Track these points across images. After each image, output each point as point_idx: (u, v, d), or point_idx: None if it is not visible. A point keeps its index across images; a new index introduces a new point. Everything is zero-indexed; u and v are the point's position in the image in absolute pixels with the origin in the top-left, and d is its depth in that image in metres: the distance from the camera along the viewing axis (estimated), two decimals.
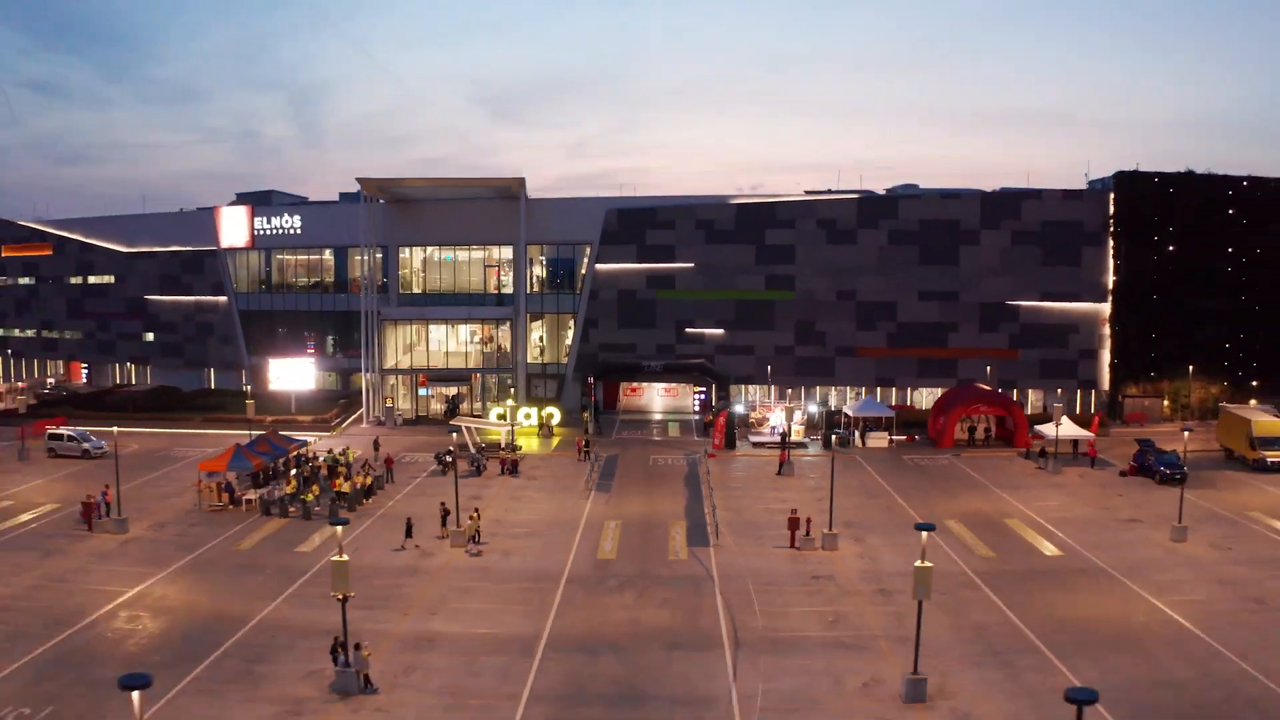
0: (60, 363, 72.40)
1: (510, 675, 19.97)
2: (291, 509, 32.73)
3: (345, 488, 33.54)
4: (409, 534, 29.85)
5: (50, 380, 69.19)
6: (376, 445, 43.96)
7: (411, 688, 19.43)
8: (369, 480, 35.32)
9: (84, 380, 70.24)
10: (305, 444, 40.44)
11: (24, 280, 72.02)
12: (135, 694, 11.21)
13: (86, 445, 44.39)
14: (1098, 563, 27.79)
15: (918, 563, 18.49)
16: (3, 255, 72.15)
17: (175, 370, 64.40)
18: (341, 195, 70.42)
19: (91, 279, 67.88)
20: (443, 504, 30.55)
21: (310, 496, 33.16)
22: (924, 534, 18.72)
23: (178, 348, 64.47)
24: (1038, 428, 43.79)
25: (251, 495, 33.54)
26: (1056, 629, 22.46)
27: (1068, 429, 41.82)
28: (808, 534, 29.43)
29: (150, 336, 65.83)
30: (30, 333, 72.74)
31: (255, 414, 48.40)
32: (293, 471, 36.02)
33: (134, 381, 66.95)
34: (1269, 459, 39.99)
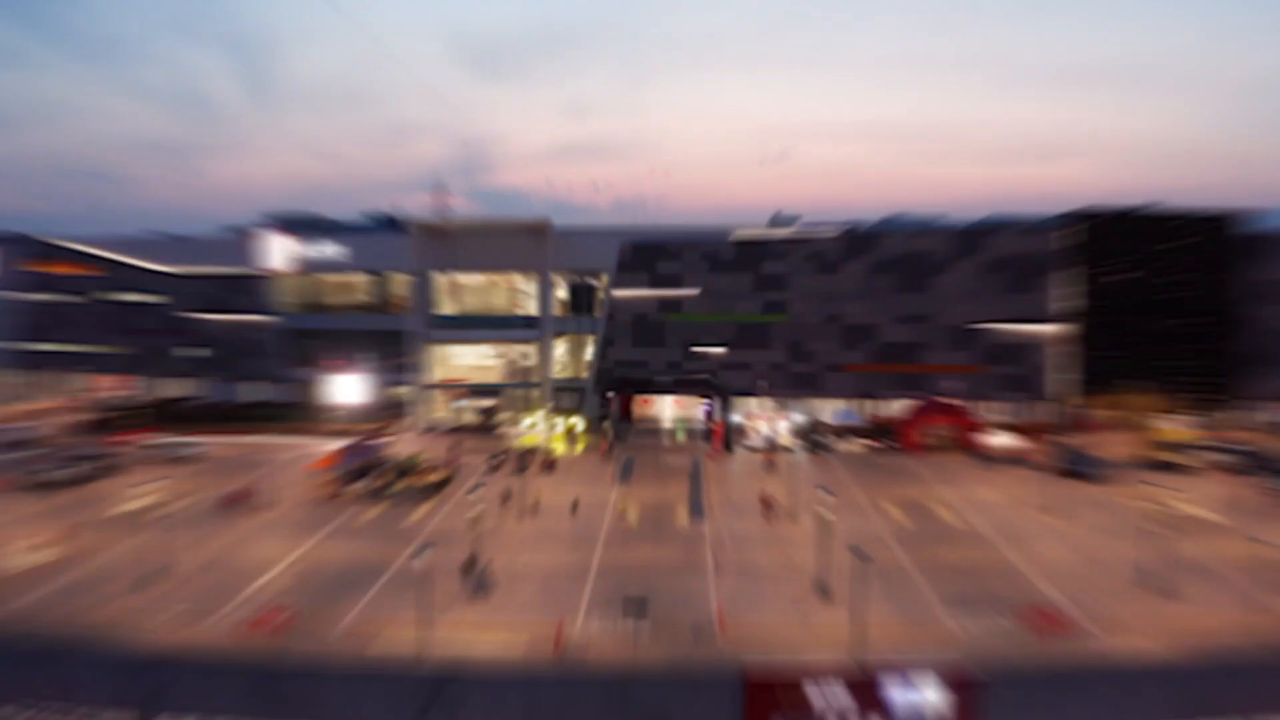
0: (110, 377, 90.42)
1: (574, 584, 37.57)
2: (387, 497, 50.36)
3: (434, 478, 51.28)
4: (502, 504, 47.45)
5: (104, 394, 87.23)
6: (449, 449, 61.63)
7: (515, 591, 36.97)
8: (444, 475, 52.96)
9: (134, 393, 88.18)
10: (387, 447, 58.09)
11: (75, 298, 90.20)
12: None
13: (183, 452, 62.11)
14: (984, 531, 45.14)
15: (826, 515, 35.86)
16: (57, 274, 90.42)
17: (225, 384, 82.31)
18: (365, 215, 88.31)
19: (141, 298, 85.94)
20: (506, 489, 47.91)
21: (400, 487, 50.79)
22: (828, 496, 36.00)
23: (226, 363, 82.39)
24: (984, 435, 61.04)
25: (358, 486, 51.19)
26: (929, 566, 39.81)
27: (1004, 439, 59.02)
28: (775, 510, 46.75)
29: (199, 352, 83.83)
30: (82, 348, 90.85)
31: (317, 424, 66.03)
32: (383, 467, 53.70)
33: (186, 395, 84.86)
34: (1164, 460, 57.18)
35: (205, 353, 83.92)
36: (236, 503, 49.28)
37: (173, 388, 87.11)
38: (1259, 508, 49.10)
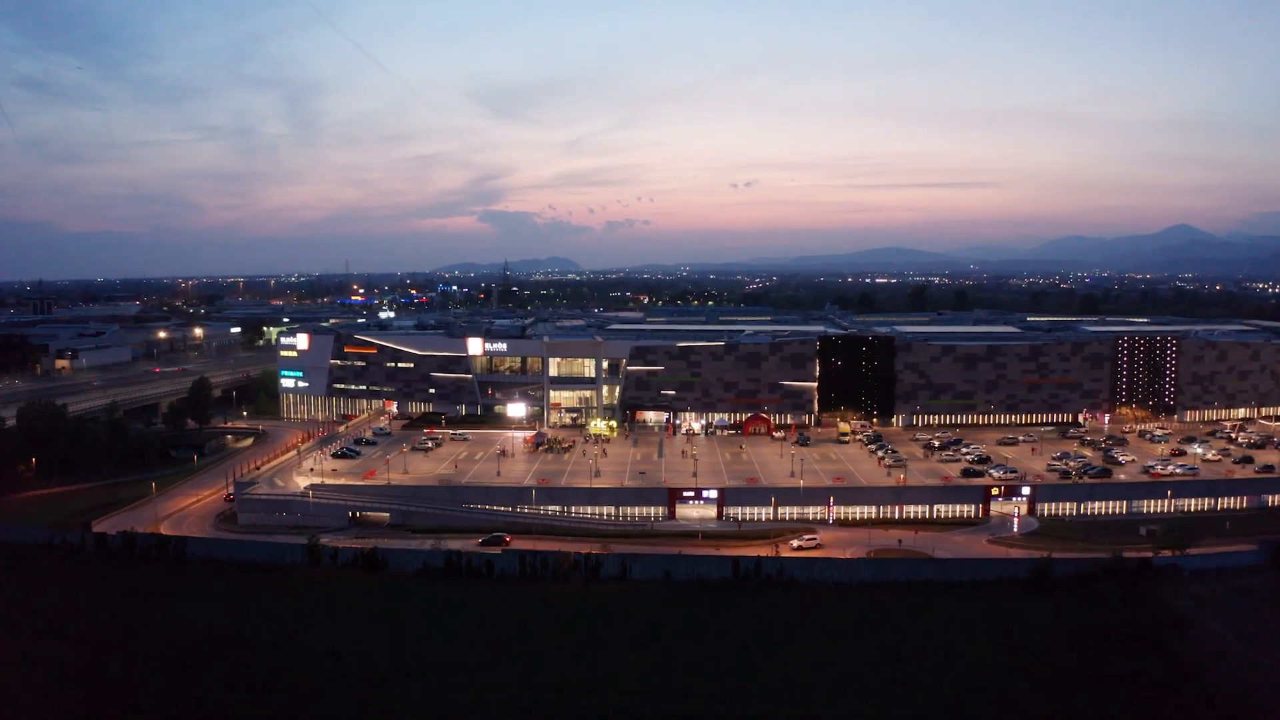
0: (380, 403, 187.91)
1: (620, 470, 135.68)
2: (551, 452, 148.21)
3: (565, 444, 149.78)
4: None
5: (384, 415, 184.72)
6: (567, 434, 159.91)
7: (604, 472, 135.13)
8: (569, 443, 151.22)
9: (394, 413, 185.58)
10: (544, 431, 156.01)
11: (359, 364, 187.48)
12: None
13: (456, 437, 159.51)
14: (755, 460, 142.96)
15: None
16: (347, 351, 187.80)
17: (450, 406, 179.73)
18: (515, 326, 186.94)
19: (401, 364, 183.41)
20: (593, 449, 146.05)
21: (559, 448, 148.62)
22: (696, 448, 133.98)
23: (448, 396, 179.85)
24: (780, 431, 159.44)
25: (541, 447, 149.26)
26: (731, 467, 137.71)
27: (783, 430, 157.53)
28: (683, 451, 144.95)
29: (431, 390, 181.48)
30: (362, 386, 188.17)
31: (505, 426, 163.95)
32: (548, 438, 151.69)
33: (437, 413, 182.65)
34: (841, 438, 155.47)
35: (432, 391, 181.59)
36: (535, 443, 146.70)
37: (419, 409, 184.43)
38: (872, 457, 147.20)
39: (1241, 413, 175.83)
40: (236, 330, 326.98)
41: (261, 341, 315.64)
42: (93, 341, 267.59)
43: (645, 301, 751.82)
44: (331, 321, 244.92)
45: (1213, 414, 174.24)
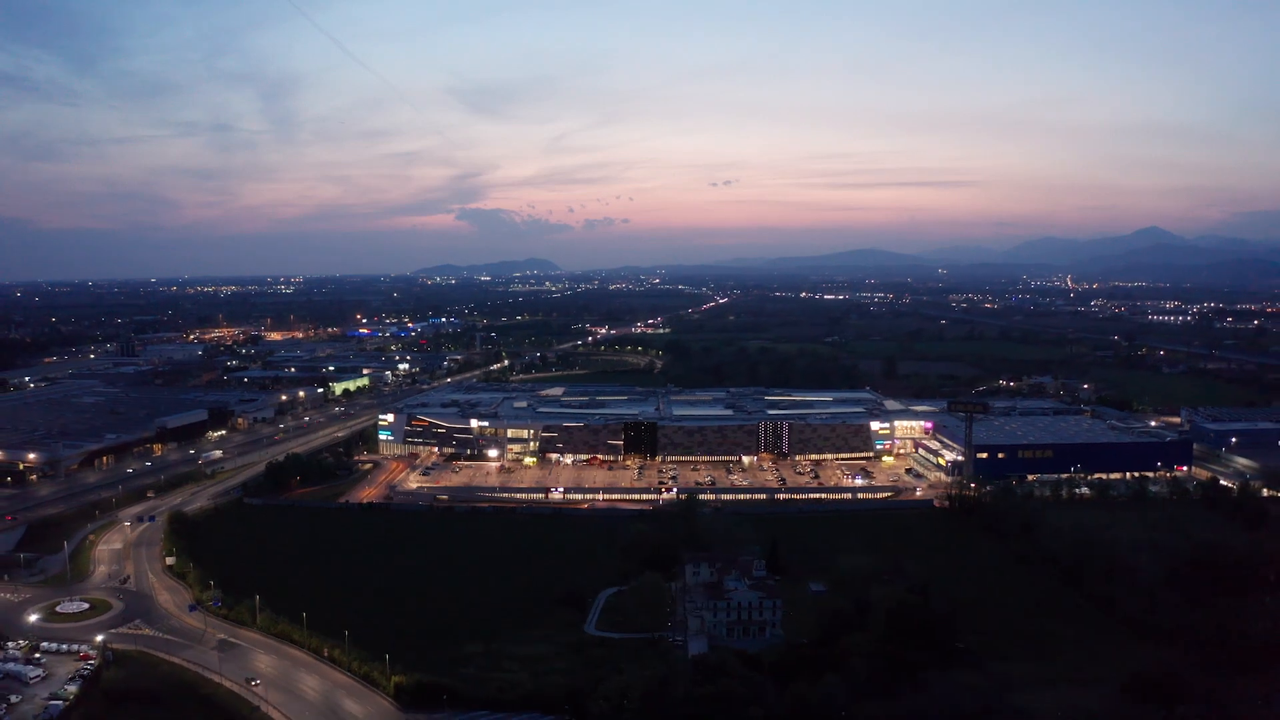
0: (431, 447, 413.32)
1: (541, 482, 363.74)
2: (509, 472, 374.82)
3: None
4: None
5: (434, 454, 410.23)
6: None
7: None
8: (515, 468, 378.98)
9: (438, 453, 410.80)
10: (505, 463, 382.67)
11: (419, 426, 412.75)
12: None
13: (468, 468, 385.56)
14: (586, 477, 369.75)
15: None
16: (412, 422, 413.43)
17: (459, 449, 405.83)
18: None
19: (437, 427, 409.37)
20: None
21: (514, 469, 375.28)
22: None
23: (460, 444, 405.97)
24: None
25: (506, 467, 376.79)
26: (576, 479, 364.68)
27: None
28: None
29: (454, 440, 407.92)
30: (419, 439, 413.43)
31: (487, 459, 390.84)
32: (507, 465, 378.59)
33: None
34: (626, 465, 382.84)
35: (455, 441, 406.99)
36: (490, 472, 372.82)
37: (449, 450, 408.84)
38: (637, 473, 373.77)
39: (827, 455, 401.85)
40: (321, 390, 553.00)
41: (331, 398, 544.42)
42: (252, 406, 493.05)
43: (603, 333, 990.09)
44: (396, 402, 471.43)
45: (813, 455, 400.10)
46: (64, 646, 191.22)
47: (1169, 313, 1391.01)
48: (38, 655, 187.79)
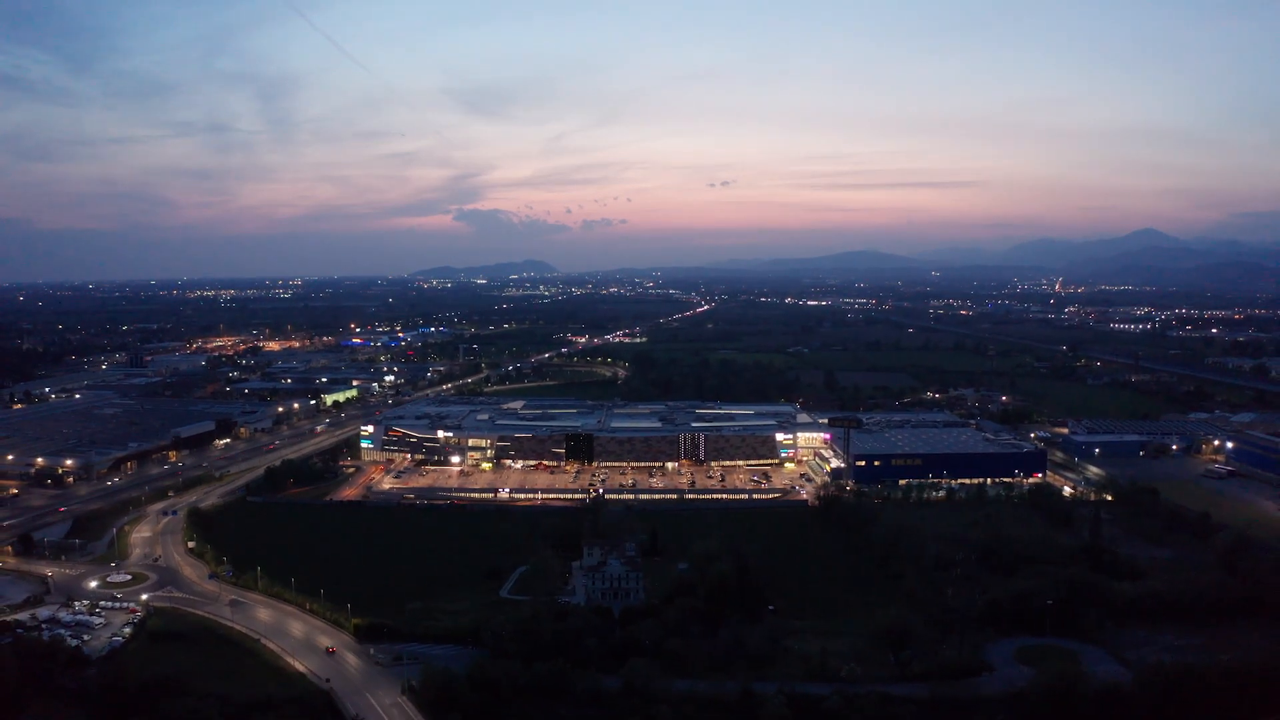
0: (405, 454, 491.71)
1: (494, 483, 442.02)
2: (468, 475, 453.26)
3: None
4: None
5: (407, 460, 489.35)
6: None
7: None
8: (472, 472, 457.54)
9: (410, 458, 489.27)
10: (465, 468, 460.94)
11: (395, 435, 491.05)
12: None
13: (434, 470, 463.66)
14: (529, 477, 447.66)
15: None
16: (389, 431, 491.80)
17: (428, 456, 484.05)
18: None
19: (410, 437, 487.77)
20: None
21: (472, 472, 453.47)
22: None
23: (430, 452, 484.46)
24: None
25: (467, 471, 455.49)
26: (522, 480, 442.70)
27: None
28: None
29: (424, 448, 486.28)
30: (395, 447, 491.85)
31: (451, 465, 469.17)
32: (467, 469, 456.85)
33: None
34: (566, 469, 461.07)
35: (425, 448, 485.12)
36: (453, 475, 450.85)
37: (419, 458, 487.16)
38: (574, 475, 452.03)
39: (739, 462, 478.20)
40: (314, 403, 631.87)
41: (322, 409, 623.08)
42: (253, 417, 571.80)
43: (583, 343, 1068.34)
44: (377, 414, 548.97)
45: (726, 463, 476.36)
46: (117, 605, 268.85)
47: (1136, 320, 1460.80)
48: (98, 610, 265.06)
